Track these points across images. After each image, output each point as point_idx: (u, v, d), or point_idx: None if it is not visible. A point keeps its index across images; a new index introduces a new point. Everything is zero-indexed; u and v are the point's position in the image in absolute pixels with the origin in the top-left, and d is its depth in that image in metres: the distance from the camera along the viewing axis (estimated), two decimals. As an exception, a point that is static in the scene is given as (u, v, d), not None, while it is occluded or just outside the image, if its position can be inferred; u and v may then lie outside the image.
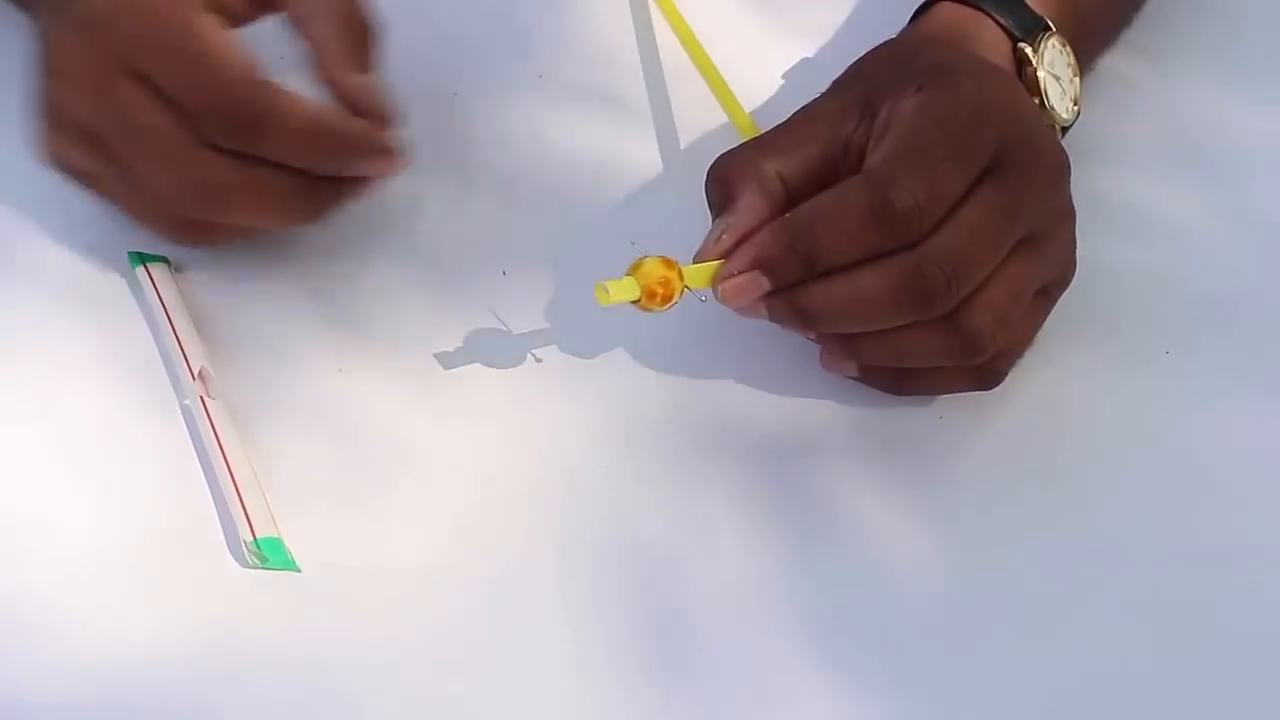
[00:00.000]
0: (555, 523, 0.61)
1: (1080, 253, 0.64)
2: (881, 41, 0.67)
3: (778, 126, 0.63)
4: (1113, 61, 0.76)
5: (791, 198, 0.61)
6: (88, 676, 0.55)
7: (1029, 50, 0.67)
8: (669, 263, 0.59)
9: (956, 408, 0.65)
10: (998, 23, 0.67)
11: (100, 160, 0.62)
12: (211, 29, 0.61)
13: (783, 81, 0.76)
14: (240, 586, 0.57)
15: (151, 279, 0.64)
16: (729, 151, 0.63)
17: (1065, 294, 0.65)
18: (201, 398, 0.61)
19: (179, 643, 0.56)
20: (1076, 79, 0.70)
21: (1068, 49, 0.69)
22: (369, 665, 0.56)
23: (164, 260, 0.65)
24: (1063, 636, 0.59)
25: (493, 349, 0.64)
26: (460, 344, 0.65)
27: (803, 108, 0.64)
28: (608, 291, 0.59)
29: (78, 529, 0.58)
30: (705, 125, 0.74)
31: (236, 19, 0.64)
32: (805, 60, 0.77)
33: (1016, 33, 0.67)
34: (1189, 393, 0.67)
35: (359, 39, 0.64)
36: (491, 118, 0.74)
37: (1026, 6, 0.68)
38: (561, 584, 0.59)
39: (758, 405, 0.65)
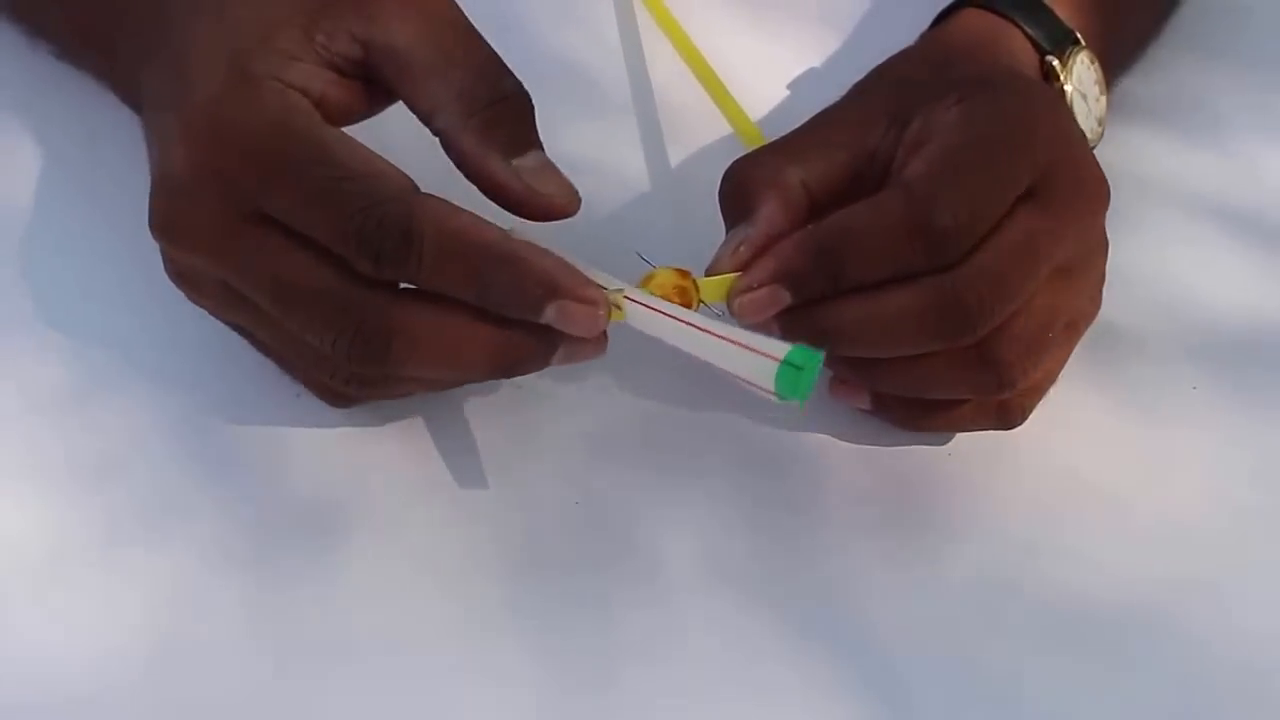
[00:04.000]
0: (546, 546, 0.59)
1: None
2: (897, 47, 0.65)
3: (798, 130, 0.60)
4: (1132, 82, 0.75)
5: (814, 208, 0.58)
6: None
7: (1057, 64, 0.65)
8: (684, 274, 0.56)
9: (966, 442, 0.63)
10: (1026, 34, 0.65)
11: (248, 318, 0.56)
12: (336, 140, 0.54)
13: (788, 92, 0.74)
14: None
15: None
16: (747, 156, 0.60)
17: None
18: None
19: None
20: (1103, 97, 0.68)
21: (1095, 65, 0.67)
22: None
23: None
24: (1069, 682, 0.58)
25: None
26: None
27: (823, 112, 0.61)
28: (619, 306, 0.55)
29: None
30: (705, 136, 0.71)
31: (352, 116, 0.58)
32: (811, 70, 0.75)
33: (1045, 45, 0.65)
34: (1216, 429, 0.65)
35: (501, 116, 0.56)
36: None
37: (1056, 17, 0.66)
38: (543, 596, 0.58)
39: (754, 429, 0.63)
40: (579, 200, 0.56)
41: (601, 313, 0.54)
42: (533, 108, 0.56)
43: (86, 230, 0.64)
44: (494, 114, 0.56)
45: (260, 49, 0.54)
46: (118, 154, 0.64)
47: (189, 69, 0.55)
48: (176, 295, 0.57)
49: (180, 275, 0.56)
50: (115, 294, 0.63)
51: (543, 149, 0.56)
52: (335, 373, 0.56)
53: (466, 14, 0.57)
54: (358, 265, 0.53)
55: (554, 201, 0.56)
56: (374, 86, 0.57)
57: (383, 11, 0.56)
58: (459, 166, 0.56)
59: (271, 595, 0.56)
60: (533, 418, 0.62)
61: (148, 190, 0.55)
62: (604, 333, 0.55)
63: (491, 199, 0.56)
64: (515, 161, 0.55)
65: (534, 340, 0.55)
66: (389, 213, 0.52)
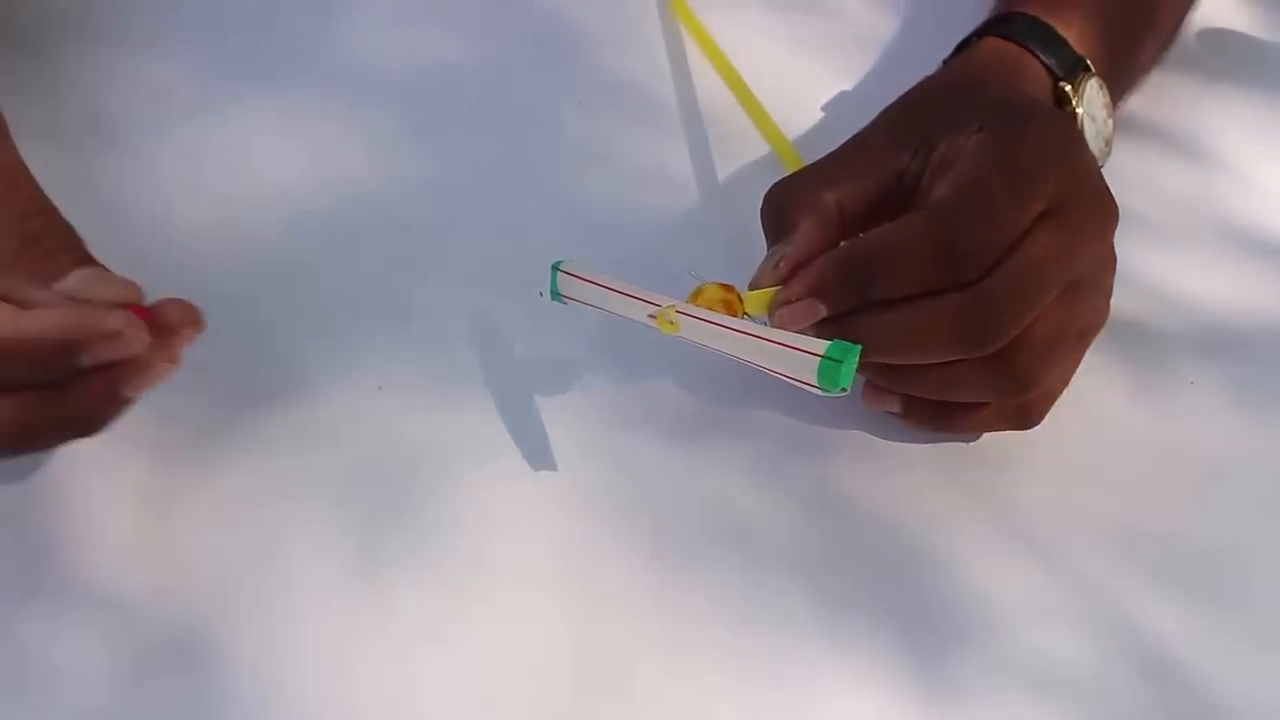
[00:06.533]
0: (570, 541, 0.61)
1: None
2: (923, 73, 0.67)
3: (832, 155, 0.63)
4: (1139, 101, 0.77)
5: (846, 226, 0.61)
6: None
7: (1070, 90, 0.68)
8: (729, 288, 0.59)
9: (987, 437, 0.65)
10: (1041, 61, 0.68)
11: None
12: None
13: (822, 114, 0.76)
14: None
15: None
16: (786, 179, 0.62)
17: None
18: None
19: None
20: (1110, 119, 0.70)
21: (1104, 90, 0.70)
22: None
23: None
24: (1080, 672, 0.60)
25: (540, 376, 0.64)
26: (509, 365, 0.64)
27: (855, 137, 0.64)
28: (673, 321, 0.58)
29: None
30: (747, 156, 0.73)
31: None
32: (843, 93, 0.77)
33: (1059, 72, 0.68)
34: (1216, 423, 0.67)
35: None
36: (528, 146, 0.73)
37: (1069, 46, 0.68)
38: (565, 601, 0.59)
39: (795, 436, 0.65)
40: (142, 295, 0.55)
41: (123, 337, 0.52)
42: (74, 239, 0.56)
43: None
44: (27, 261, 0.55)
45: None
46: None
47: None
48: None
49: None
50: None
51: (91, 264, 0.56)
52: None
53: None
54: None
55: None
56: None
57: None
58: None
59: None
60: (588, 448, 0.64)
61: None
62: (161, 351, 0.53)
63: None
64: (58, 285, 0.55)
65: (90, 394, 0.53)
66: None
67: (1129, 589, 0.61)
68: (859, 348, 0.55)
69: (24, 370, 0.52)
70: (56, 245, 0.58)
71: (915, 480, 0.64)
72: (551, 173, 0.73)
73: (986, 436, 0.65)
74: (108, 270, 0.56)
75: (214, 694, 0.55)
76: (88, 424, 0.54)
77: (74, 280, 0.55)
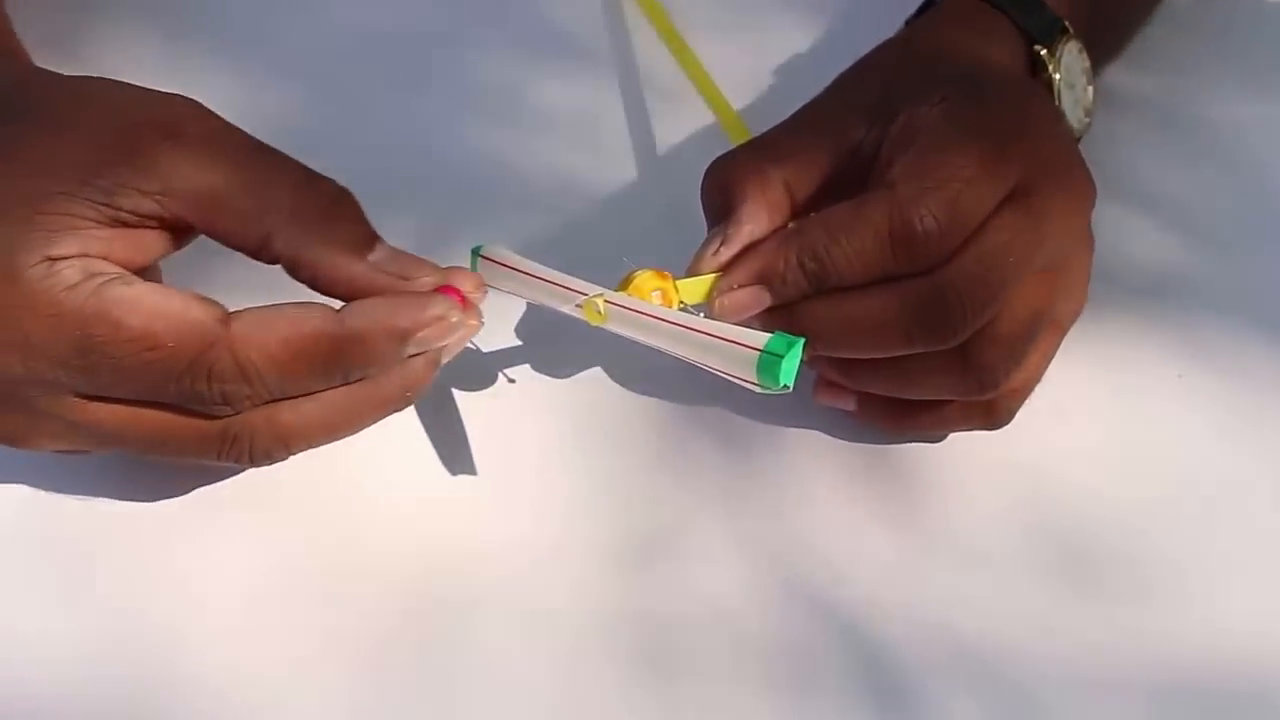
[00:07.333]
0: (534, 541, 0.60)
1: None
2: (881, 36, 0.64)
3: (780, 127, 0.60)
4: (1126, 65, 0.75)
5: (795, 206, 0.58)
6: None
7: (1045, 55, 0.64)
8: (663, 275, 0.56)
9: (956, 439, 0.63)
10: (1014, 23, 0.64)
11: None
12: (125, 305, 0.50)
13: (773, 80, 0.73)
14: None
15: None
16: (728, 154, 0.59)
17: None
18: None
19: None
20: (1090, 86, 0.67)
21: (1084, 54, 0.66)
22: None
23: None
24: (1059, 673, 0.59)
25: (463, 370, 0.61)
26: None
27: (806, 107, 0.60)
28: (600, 312, 0.55)
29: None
30: (689, 127, 0.71)
31: (150, 261, 0.54)
32: (796, 56, 0.74)
33: (1034, 34, 0.64)
34: (1204, 419, 0.65)
35: (338, 220, 0.53)
36: (450, 113, 0.71)
37: (1045, 6, 0.65)
38: (538, 602, 0.58)
39: (743, 431, 0.63)
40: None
41: (453, 320, 0.53)
42: (356, 200, 0.54)
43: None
44: (330, 222, 0.53)
45: (24, 232, 0.50)
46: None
47: None
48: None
49: (52, 450, 0.55)
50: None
51: (381, 238, 0.54)
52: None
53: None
54: (212, 413, 0.52)
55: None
56: (172, 230, 0.53)
57: (168, 159, 0.52)
58: (311, 285, 0.53)
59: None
60: (510, 438, 0.62)
61: None
62: (476, 309, 0.54)
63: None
64: (370, 259, 0.54)
65: (412, 370, 0.54)
66: (213, 363, 0.50)
67: (1116, 593, 0.60)
68: (802, 341, 0.52)
69: (358, 367, 0.53)
70: None
71: (869, 478, 0.62)
72: (473, 142, 0.71)
73: (952, 437, 0.63)
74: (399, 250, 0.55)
75: None
76: (405, 400, 0.55)
77: (381, 255, 0.54)
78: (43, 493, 0.58)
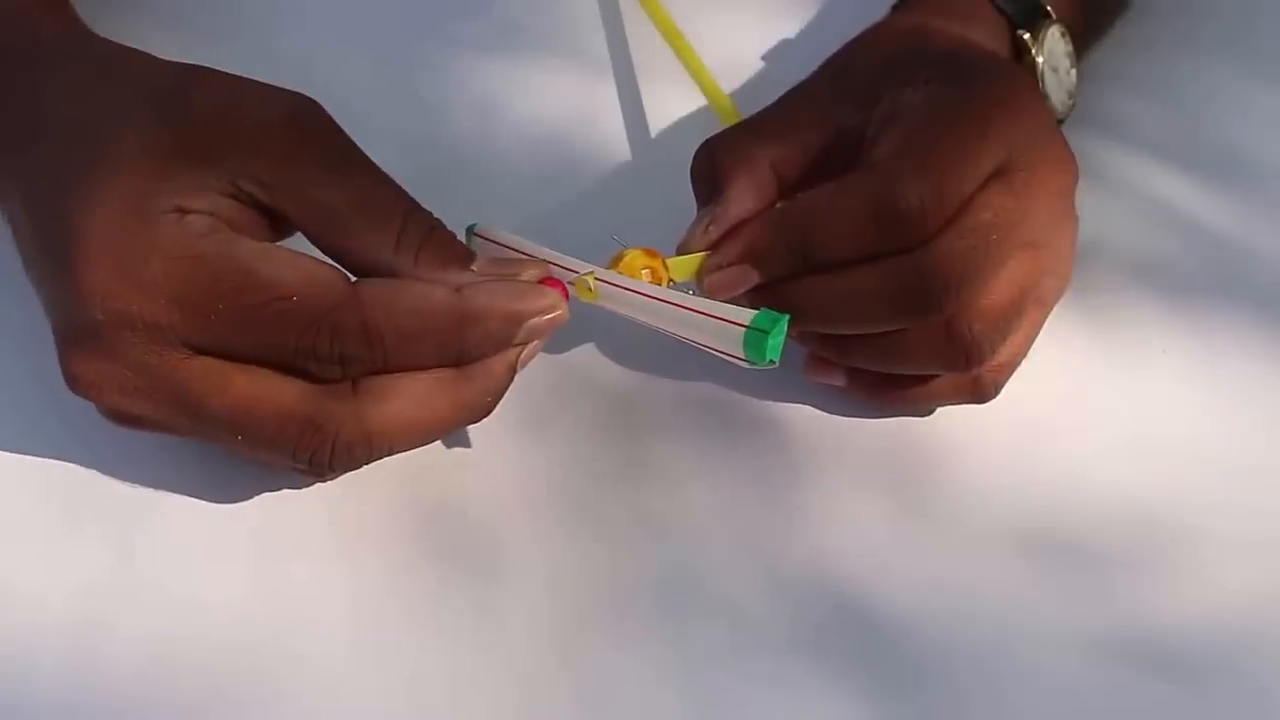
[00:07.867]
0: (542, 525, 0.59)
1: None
2: (868, 21, 0.64)
3: (768, 109, 0.61)
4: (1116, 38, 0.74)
5: (783, 186, 0.59)
6: None
7: (1029, 39, 0.65)
8: (652, 253, 0.57)
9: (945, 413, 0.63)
10: (998, 7, 0.65)
11: (210, 439, 0.54)
12: (256, 257, 0.51)
13: (762, 63, 0.73)
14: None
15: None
16: (717, 135, 0.60)
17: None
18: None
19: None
20: (1074, 70, 0.67)
21: (1067, 38, 0.67)
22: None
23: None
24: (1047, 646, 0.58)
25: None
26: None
27: (794, 89, 0.61)
28: (591, 288, 0.55)
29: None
30: (680, 109, 0.71)
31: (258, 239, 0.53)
32: (785, 40, 0.74)
33: (1017, 19, 0.65)
34: (1190, 394, 0.65)
35: (438, 246, 0.54)
36: (444, 94, 0.71)
37: None
38: (548, 584, 0.58)
39: (731, 407, 0.63)
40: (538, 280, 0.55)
41: (559, 312, 0.54)
42: (447, 230, 0.55)
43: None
44: (432, 248, 0.54)
45: (156, 181, 0.51)
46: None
47: (71, 207, 0.51)
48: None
49: (116, 418, 0.53)
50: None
51: (474, 255, 0.55)
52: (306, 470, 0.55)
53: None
54: (322, 375, 0.51)
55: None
56: (274, 225, 0.54)
57: (283, 154, 0.53)
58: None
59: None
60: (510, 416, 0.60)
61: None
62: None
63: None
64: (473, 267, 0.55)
65: (495, 372, 0.54)
66: (339, 321, 0.50)
67: (1105, 570, 0.60)
68: (787, 317, 0.53)
69: (473, 347, 0.53)
70: None
71: (860, 457, 0.62)
72: (467, 124, 0.70)
73: (940, 411, 0.63)
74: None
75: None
76: (486, 406, 0.55)
77: (484, 264, 0.55)
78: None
